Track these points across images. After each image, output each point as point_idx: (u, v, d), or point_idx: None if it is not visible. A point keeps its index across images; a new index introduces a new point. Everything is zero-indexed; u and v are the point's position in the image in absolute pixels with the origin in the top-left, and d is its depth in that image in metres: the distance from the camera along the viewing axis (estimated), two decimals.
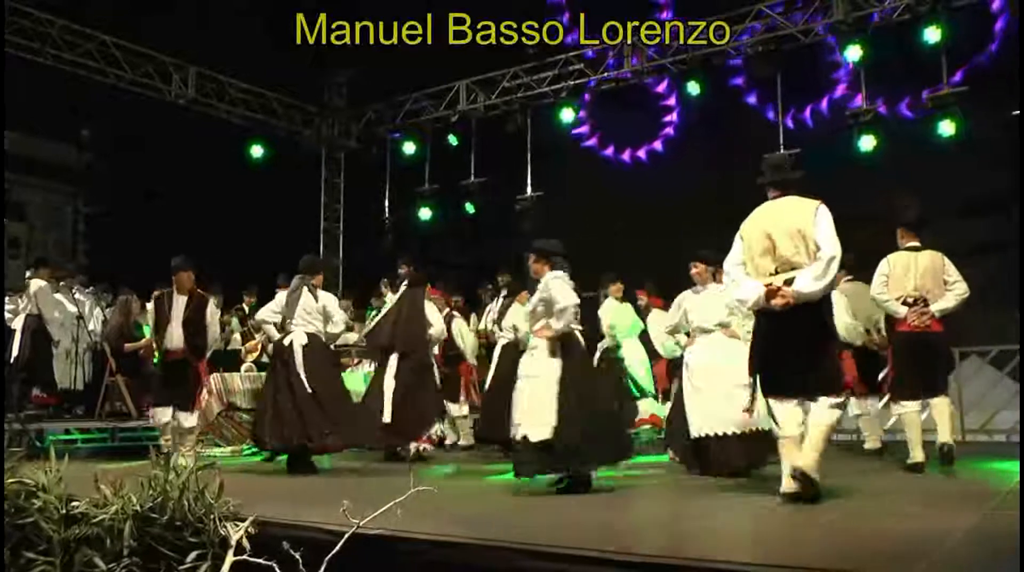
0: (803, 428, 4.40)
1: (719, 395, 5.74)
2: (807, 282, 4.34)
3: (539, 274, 5.48)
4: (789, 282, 4.37)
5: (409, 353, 7.16)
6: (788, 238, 4.46)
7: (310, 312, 6.83)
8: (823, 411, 4.41)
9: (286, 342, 6.76)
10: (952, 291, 6.01)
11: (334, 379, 6.95)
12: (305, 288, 6.89)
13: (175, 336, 7.15)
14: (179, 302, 7.24)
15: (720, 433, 5.77)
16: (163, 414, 7.12)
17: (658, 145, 12.76)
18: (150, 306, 7.42)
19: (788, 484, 4.38)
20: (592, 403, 5.24)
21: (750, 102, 11.91)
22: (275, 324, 6.96)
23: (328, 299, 7.01)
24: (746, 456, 5.71)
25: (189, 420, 7.11)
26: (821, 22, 10.30)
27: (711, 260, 6.14)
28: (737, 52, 10.94)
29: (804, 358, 4.40)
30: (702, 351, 6.09)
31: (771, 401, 4.52)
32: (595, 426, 5.11)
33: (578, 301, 5.32)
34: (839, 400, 4.49)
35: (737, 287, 4.61)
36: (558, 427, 5.04)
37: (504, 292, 8.95)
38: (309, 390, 6.52)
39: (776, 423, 4.50)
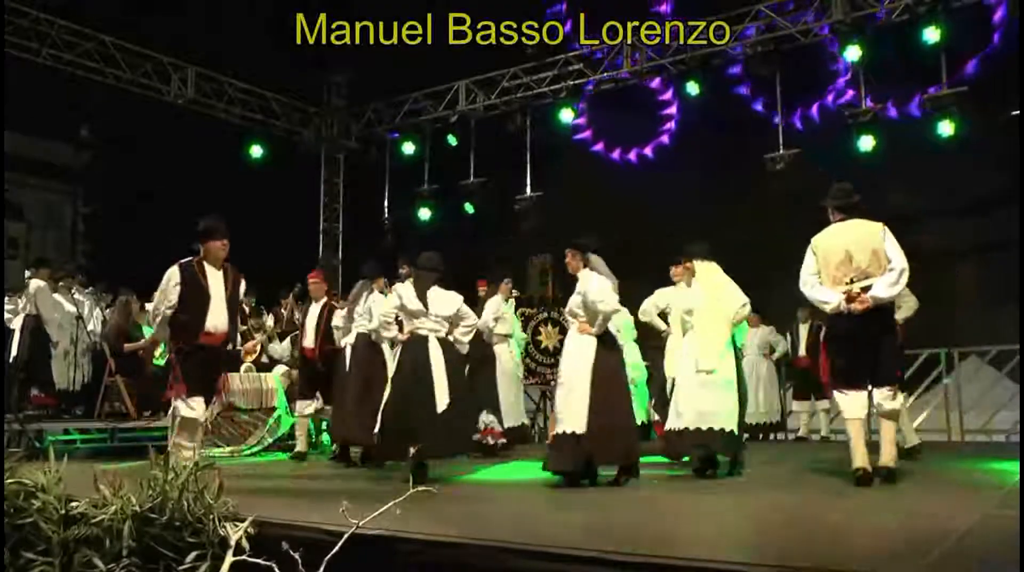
0: (866, 410, 5.26)
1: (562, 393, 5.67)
2: (883, 289, 5.11)
3: None
4: (865, 289, 5.13)
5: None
6: (864, 253, 5.19)
7: (362, 314, 7.23)
8: (885, 401, 5.24)
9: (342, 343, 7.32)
10: (907, 302, 6.87)
11: (372, 375, 6.97)
12: (365, 291, 7.29)
13: (220, 317, 5.84)
14: (215, 277, 5.94)
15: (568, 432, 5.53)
16: (199, 406, 5.81)
17: (657, 145, 12.76)
18: (175, 278, 5.80)
19: (861, 461, 5.13)
20: (407, 401, 5.76)
21: (750, 102, 11.92)
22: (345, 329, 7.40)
23: (375, 300, 7.19)
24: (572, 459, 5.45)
25: (204, 412, 6.12)
26: (821, 22, 10.31)
27: (582, 246, 5.84)
28: (737, 52, 10.94)
29: (873, 353, 5.20)
30: (566, 345, 5.97)
31: (838, 392, 5.33)
32: (407, 422, 5.68)
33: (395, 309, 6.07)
34: (893, 390, 5.27)
35: (819, 292, 5.31)
36: (381, 422, 5.81)
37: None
38: (352, 388, 7.12)
39: (843, 410, 5.31)
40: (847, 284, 5.16)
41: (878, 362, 5.20)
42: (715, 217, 10.79)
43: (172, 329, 5.78)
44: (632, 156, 12.87)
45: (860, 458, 5.14)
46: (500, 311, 8.22)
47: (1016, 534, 2.98)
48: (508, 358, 8.29)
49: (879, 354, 5.20)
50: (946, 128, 9.57)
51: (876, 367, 5.20)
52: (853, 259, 5.18)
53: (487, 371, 8.06)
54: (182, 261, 5.90)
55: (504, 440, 7.92)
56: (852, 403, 5.24)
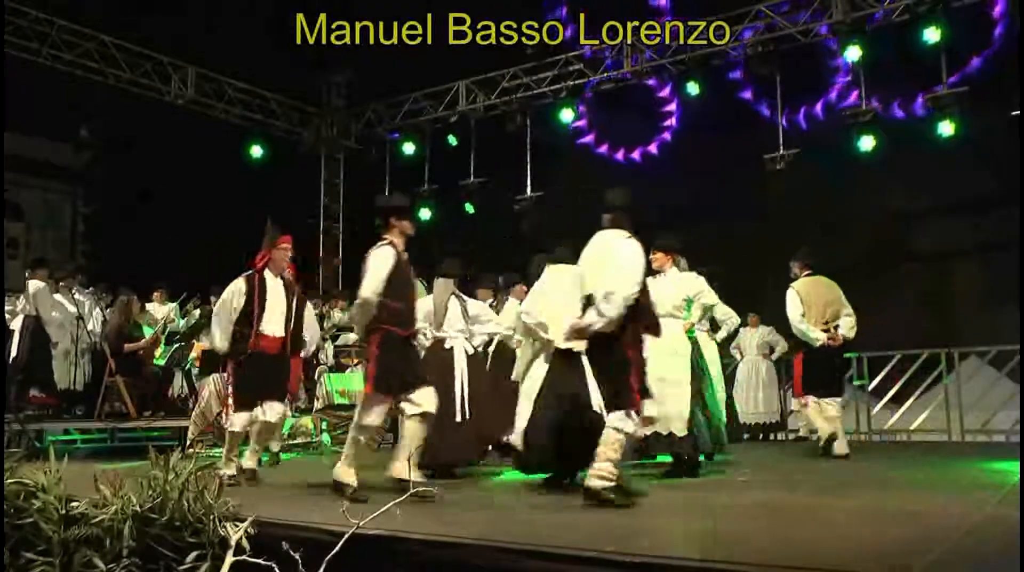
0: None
1: None
2: (849, 330, 7.27)
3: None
4: (836, 328, 7.24)
5: None
6: (836, 303, 7.27)
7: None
8: (837, 406, 7.30)
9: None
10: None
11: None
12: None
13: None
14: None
15: None
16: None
17: (657, 145, 12.76)
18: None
19: (838, 448, 7.10)
20: None
21: (750, 102, 11.92)
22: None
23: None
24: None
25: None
26: (821, 22, 10.31)
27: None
28: (737, 52, 10.94)
29: (836, 371, 7.48)
30: None
31: (814, 399, 7.28)
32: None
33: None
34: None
35: (812, 330, 7.21)
36: None
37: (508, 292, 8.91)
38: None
39: (824, 411, 7.24)
40: (824, 324, 7.20)
41: (838, 380, 7.53)
42: (715, 217, 10.79)
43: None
44: (630, 156, 12.87)
45: (845, 445, 7.15)
46: None
47: (1016, 534, 2.98)
48: None
49: (839, 374, 7.64)
50: (946, 128, 9.56)
51: (837, 383, 7.46)
52: (830, 306, 7.21)
53: None
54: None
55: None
56: (830, 407, 7.22)
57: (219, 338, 5.88)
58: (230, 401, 5.79)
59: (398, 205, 5.34)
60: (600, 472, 4.28)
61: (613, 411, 4.39)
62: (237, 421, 5.76)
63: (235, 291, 5.87)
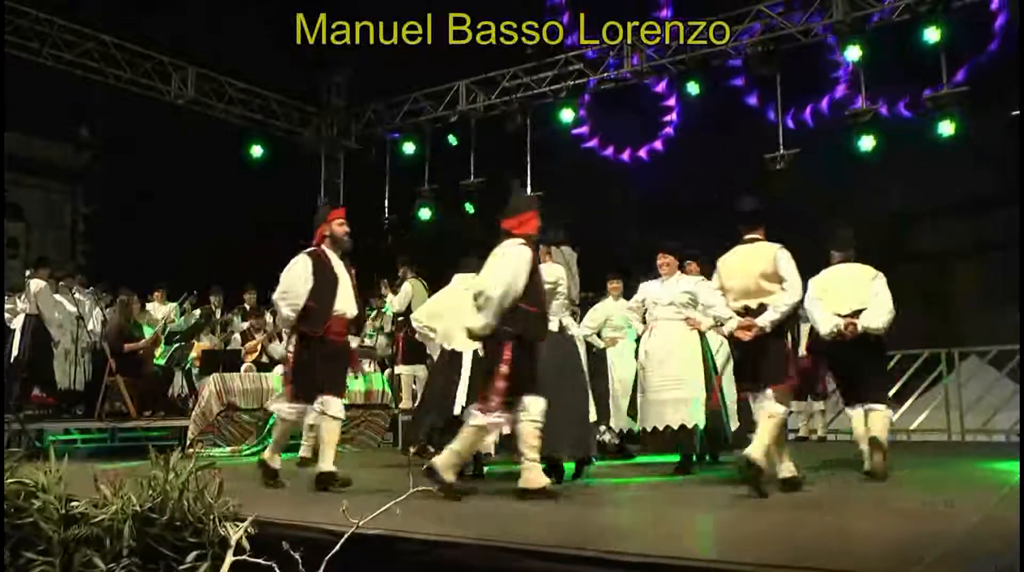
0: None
1: None
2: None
3: None
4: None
5: None
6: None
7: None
8: None
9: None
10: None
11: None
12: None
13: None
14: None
15: None
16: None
17: (657, 145, 12.76)
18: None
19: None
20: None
21: (750, 102, 11.92)
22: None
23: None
24: None
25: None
26: (821, 22, 10.31)
27: None
28: (737, 52, 10.94)
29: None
30: None
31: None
32: None
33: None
34: None
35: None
36: None
37: None
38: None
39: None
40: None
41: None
42: (715, 217, 10.78)
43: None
44: (632, 156, 12.87)
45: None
46: None
47: (1016, 534, 2.98)
48: None
49: None
50: (946, 128, 9.55)
51: None
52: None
53: None
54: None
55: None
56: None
57: (492, 317, 4.87)
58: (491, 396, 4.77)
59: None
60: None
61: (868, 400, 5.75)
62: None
63: (524, 260, 5.03)
